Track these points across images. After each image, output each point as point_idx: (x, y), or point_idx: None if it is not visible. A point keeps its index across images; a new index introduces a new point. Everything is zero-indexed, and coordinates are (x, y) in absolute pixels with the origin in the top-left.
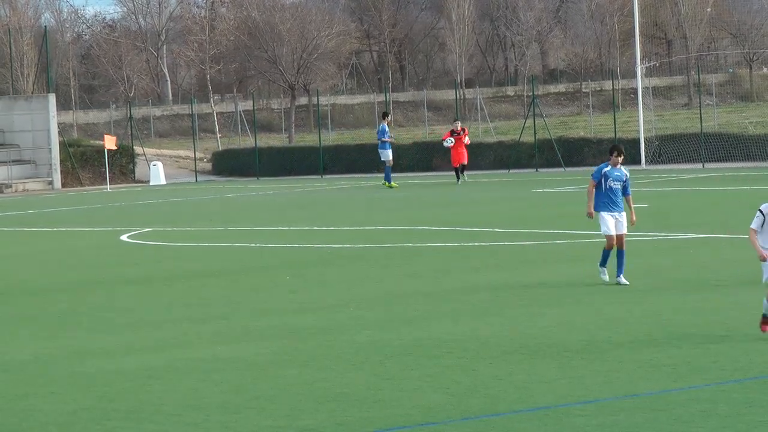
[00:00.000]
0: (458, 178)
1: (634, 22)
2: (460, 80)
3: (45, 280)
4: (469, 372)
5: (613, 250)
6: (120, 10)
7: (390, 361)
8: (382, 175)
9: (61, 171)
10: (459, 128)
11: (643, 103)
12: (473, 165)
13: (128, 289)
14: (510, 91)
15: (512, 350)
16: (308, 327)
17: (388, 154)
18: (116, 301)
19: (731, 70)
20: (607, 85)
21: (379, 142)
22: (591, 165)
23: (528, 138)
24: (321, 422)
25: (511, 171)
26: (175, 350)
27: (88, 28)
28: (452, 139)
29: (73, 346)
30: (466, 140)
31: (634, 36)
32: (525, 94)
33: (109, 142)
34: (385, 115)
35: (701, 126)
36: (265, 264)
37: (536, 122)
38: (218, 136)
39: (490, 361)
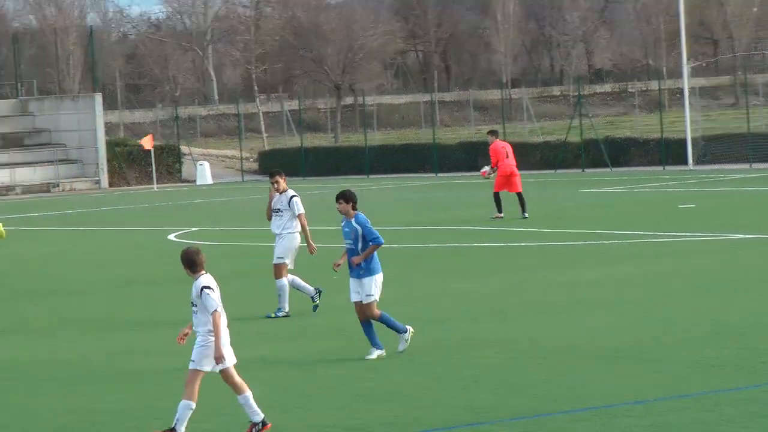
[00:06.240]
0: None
1: (679, 22)
2: (506, 80)
3: (91, 278)
4: (517, 372)
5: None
6: (165, 9)
7: (439, 361)
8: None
9: (108, 170)
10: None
11: (690, 103)
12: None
13: (175, 288)
14: (556, 91)
15: (560, 350)
16: (357, 326)
17: None
18: (162, 300)
19: None
20: (654, 85)
21: None
22: (638, 165)
23: (574, 138)
24: (368, 422)
25: (557, 171)
26: None
27: (134, 27)
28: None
29: (118, 345)
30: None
31: (680, 36)
32: (571, 94)
33: (147, 142)
34: None
35: (748, 126)
36: (314, 263)
37: (582, 122)
38: (264, 135)
39: (539, 361)
